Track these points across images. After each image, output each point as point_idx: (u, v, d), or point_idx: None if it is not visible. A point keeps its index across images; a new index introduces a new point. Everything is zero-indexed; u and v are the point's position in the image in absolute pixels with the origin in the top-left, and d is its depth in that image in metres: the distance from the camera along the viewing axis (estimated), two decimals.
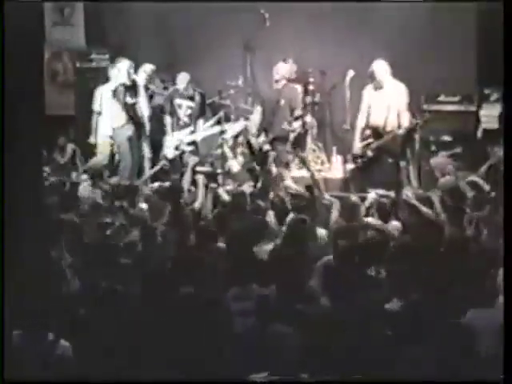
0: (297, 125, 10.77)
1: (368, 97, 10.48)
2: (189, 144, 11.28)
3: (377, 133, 10.36)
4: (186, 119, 11.34)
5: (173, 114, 11.35)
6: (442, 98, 11.66)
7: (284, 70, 11.18)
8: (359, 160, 10.44)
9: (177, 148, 11.28)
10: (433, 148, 11.14)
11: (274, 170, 10.69)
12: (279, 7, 11.66)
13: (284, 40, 11.56)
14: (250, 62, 11.77)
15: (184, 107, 11.33)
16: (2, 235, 5.26)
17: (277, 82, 10.67)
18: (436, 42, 11.50)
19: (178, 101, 11.37)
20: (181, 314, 5.30)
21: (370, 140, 10.42)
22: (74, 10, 12.54)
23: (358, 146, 10.50)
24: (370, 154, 10.38)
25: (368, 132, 10.44)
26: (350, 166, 10.87)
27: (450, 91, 11.58)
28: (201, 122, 11.34)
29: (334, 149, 11.57)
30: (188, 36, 12.34)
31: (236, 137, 11.49)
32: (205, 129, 11.21)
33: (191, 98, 11.37)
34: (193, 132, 11.30)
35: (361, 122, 10.50)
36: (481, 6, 11.04)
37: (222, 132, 11.25)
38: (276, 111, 10.66)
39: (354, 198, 8.87)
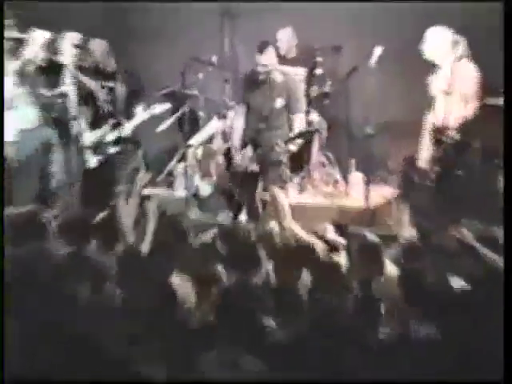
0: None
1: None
2: (113, 143, 8.15)
3: (438, 139, 7.75)
4: (105, 107, 8.15)
5: (87, 101, 8.06)
6: None
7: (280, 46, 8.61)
8: (427, 181, 7.71)
9: (96, 149, 8.09)
10: None
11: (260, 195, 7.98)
12: None
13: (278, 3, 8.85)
14: (229, 35, 9.09)
15: (103, 91, 8.21)
16: (2, 235, 5.36)
17: (265, 65, 7.87)
18: None
19: (92, 83, 8.12)
20: None
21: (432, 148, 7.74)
22: None
23: (425, 157, 7.74)
24: (437, 169, 7.64)
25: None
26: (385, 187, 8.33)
27: None
28: (139, 109, 8.26)
29: (353, 162, 8.59)
30: None
31: (207, 144, 8.56)
32: (136, 116, 8.20)
33: (112, 77, 8.18)
34: (118, 125, 8.15)
35: (430, 122, 7.74)
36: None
37: (189, 137, 8.32)
38: (269, 114, 7.92)
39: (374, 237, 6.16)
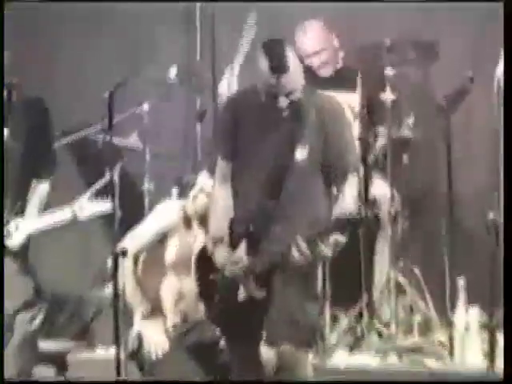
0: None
1: None
2: None
3: None
4: None
5: None
6: None
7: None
8: None
9: None
10: None
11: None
12: None
13: None
14: (204, 28, 5.20)
15: None
16: (2, 234, 4.68)
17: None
18: None
19: None
20: None
21: None
22: None
23: None
24: None
25: None
26: None
27: None
28: (41, 191, 4.22)
29: (462, 284, 4.67)
30: None
31: (156, 249, 4.34)
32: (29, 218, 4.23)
33: None
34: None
35: None
36: None
37: (121, 235, 4.16)
38: (282, 180, 3.65)
39: None
